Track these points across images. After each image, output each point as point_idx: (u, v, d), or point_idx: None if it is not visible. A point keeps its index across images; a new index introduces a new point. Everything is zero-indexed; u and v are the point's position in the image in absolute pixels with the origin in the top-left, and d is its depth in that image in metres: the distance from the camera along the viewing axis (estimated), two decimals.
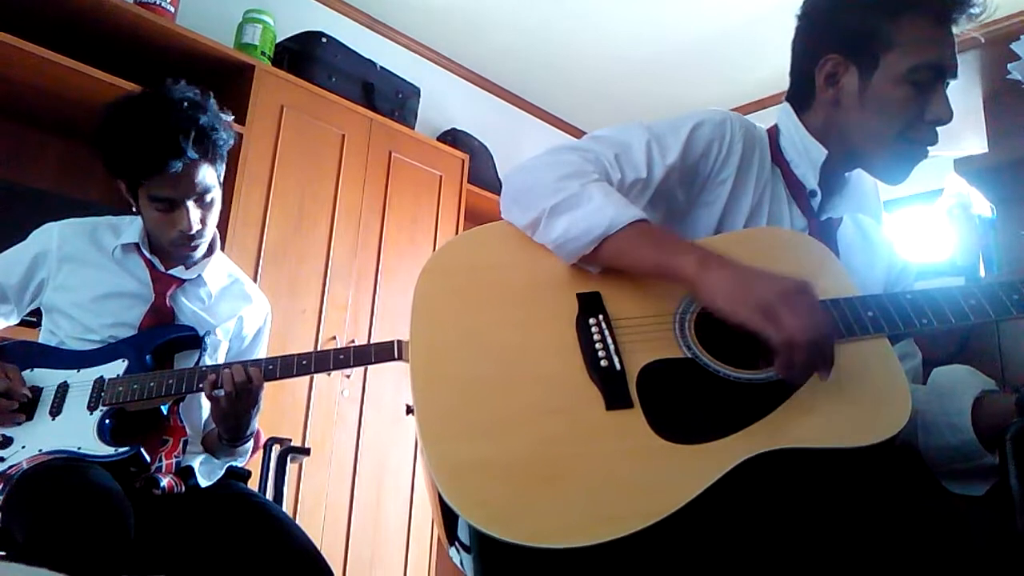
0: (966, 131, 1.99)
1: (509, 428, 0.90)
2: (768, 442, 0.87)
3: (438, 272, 1.09)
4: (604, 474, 0.86)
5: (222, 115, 1.62)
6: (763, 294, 0.90)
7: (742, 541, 0.89)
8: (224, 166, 1.66)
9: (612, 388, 0.93)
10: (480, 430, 0.91)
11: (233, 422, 1.56)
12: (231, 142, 1.64)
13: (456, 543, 0.86)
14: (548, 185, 1.07)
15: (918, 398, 1.10)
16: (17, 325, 1.75)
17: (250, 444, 1.68)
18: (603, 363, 0.95)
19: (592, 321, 1.00)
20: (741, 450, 0.86)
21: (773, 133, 1.24)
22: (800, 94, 1.22)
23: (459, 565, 0.89)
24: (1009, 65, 1.68)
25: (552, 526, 0.81)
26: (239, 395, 1.49)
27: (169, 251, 1.64)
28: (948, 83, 1.14)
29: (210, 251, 1.71)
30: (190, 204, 1.55)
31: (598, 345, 0.97)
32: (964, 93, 1.91)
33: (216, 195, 1.61)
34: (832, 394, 0.92)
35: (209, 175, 1.58)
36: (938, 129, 1.14)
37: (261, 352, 1.80)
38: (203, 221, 1.59)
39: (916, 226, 3.49)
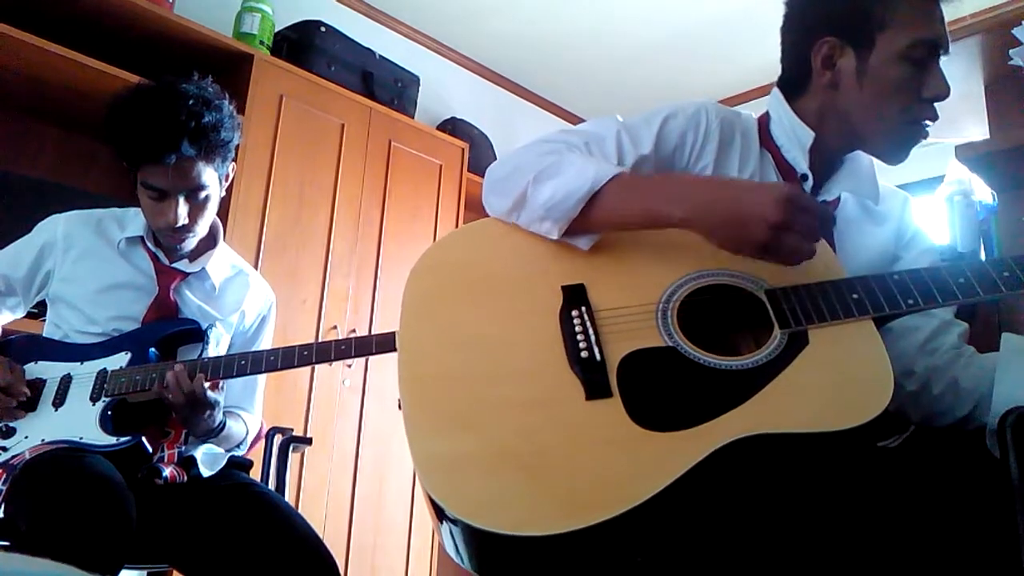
0: (967, 118, 1.98)
1: (491, 421, 0.91)
2: (746, 427, 0.87)
3: (426, 271, 1.10)
4: (582, 463, 0.87)
5: (234, 117, 1.61)
6: (757, 233, 0.94)
7: (724, 526, 0.90)
8: (229, 167, 1.65)
9: (592, 378, 0.94)
10: (462, 423, 0.92)
11: (197, 426, 1.54)
12: (236, 142, 1.62)
13: (445, 519, 0.87)
14: (527, 164, 1.09)
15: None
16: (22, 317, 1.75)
17: (241, 434, 1.68)
18: (584, 354, 0.96)
19: (574, 313, 1.01)
20: (719, 436, 0.86)
21: (764, 120, 1.24)
22: (793, 79, 1.22)
23: (450, 541, 0.89)
24: (1010, 51, 1.67)
25: (532, 515, 0.82)
26: (191, 403, 1.47)
27: (159, 238, 1.64)
28: (941, 58, 1.14)
29: (213, 243, 1.71)
30: (180, 198, 1.54)
31: (579, 336, 0.98)
32: (965, 79, 1.90)
33: (212, 194, 1.59)
34: (813, 379, 0.92)
35: (207, 174, 1.55)
36: (940, 118, 1.14)
37: (265, 343, 1.80)
38: (192, 217, 1.57)
39: (917, 213, 3.48)
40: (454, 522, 0.84)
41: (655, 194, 1.01)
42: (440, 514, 0.86)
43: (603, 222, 1.05)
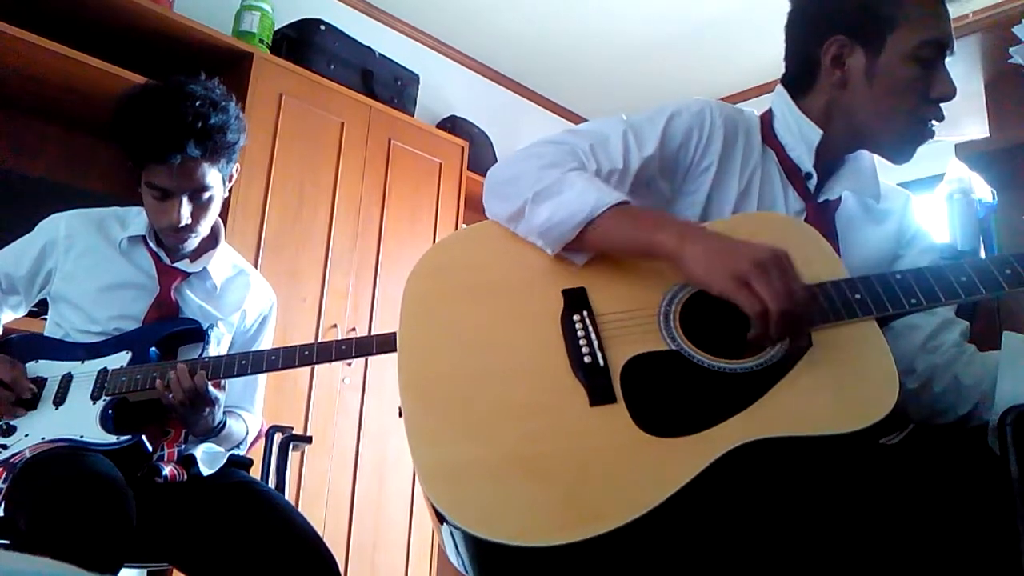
0: (967, 116, 1.98)
1: (493, 427, 0.90)
2: (751, 432, 0.86)
3: (425, 273, 1.09)
4: (587, 470, 0.85)
5: (241, 119, 1.60)
6: (738, 263, 0.91)
7: (731, 532, 0.89)
8: (233, 168, 1.65)
9: (596, 384, 0.93)
10: (464, 430, 0.91)
11: (196, 425, 1.53)
12: (242, 144, 1.61)
13: (446, 523, 0.87)
14: (528, 175, 1.08)
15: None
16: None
17: (241, 434, 1.68)
18: (587, 359, 0.95)
19: (576, 317, 1.00)
20: (725, 441, 0.85)
21: (767, 118, 1.24)
22: (799, 77, 1.22)
23: (451, 545, 0.89)
24: (1011, 49, 1.67)
25: (535, 525, 0.81)
26: (192, 401, 1.47)
27: (161, 238, 1.64)
28: (946, 58, 1.15)
29: (214, 243, 1.71)
30: (183, 198, 1.54)
31: (582, 341, 0.97)
32: (965, 77, 1.90)
33: (215, 195, 1.59)
34: (817, 381, 0.91)
35: (211, 175, 1.55)
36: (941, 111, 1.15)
37: (266, 342, 1.80)
38: (195, 217, 1.57)
39: (918, 212, 3.47)
40: (456, 528, 0.83)
41: (651, 224, 1.01)
42: (442, 519, 0.85)
43: (598, 246, 1.05)
